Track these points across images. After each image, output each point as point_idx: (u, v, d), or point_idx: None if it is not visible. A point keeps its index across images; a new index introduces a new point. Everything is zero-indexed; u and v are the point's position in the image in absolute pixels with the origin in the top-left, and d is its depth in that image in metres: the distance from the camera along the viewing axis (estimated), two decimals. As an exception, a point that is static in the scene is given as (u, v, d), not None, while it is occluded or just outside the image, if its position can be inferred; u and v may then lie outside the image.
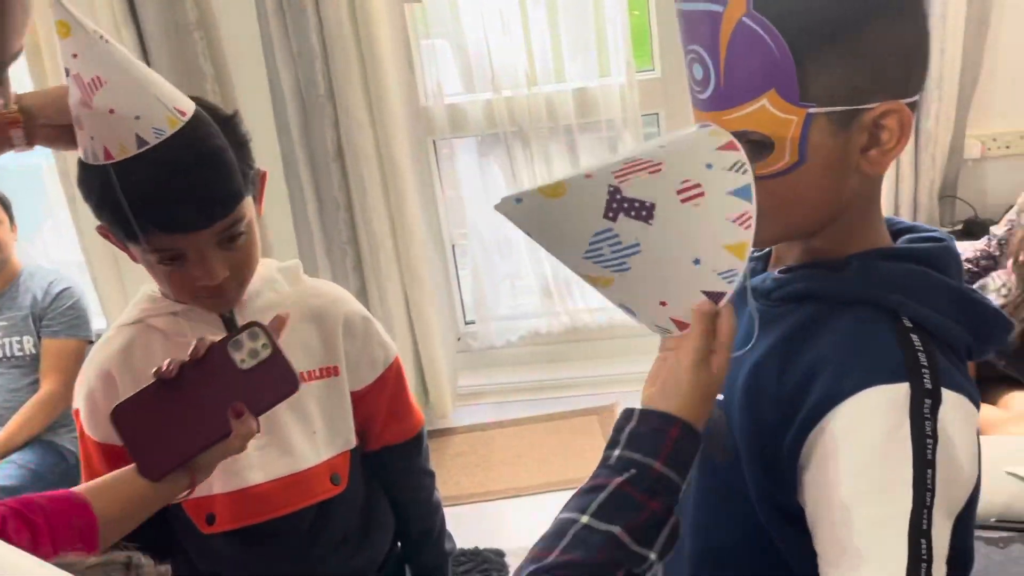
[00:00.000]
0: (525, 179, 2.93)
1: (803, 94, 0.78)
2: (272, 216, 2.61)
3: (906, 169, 2.66)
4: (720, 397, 0.88)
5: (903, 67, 0.81)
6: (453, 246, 3.18)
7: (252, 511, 1.23)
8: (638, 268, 0.80)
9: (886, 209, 2.70)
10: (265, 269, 1.26)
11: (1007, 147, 2.77)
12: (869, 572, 0.74)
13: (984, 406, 1.82)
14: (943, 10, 2.53)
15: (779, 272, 0.90)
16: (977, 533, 1.34)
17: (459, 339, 3.20)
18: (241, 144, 1.14)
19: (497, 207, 0.78)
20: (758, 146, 0.80)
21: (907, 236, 0.91)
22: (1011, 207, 2.70)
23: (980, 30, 2.62)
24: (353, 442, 1.30)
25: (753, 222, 0.76)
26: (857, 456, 0.77)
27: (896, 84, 0.81)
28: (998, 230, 2.13)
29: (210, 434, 1.02)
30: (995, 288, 2.00)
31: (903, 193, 2.69)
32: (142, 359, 1.19)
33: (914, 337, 0.81)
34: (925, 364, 0.79)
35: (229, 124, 1.13)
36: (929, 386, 0.78)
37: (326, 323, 1.28)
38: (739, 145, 0.76)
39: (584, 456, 2.73)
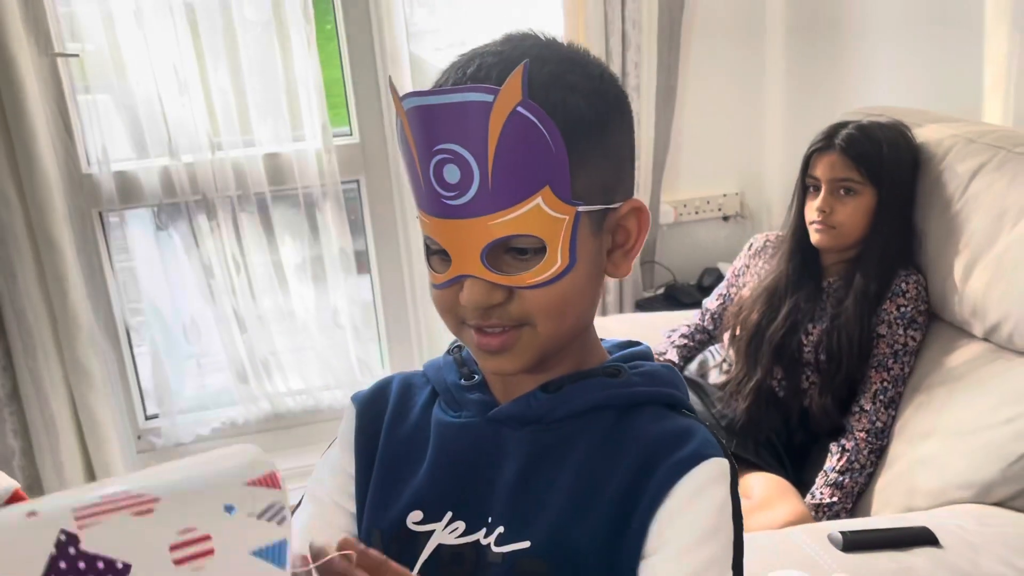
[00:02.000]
0: (212, 252, 2.61)
1: (572, 192, 0.73)
2: None
3: (609, 236, 2.68)
4: (527, 544, 0.77)
5: (631, 167, 0.81)
6: (128, 330, 2.77)
7: None
8: None
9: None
10: None
11: (696, 212, 2.89)
12: None
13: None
14: (637, 82, 2.58)
15: (544, 392, 0.81)
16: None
17: (139, 437, 2.78)
18: None
19: None
20: (526, 253, 0.74)
21: (608, 343, 0.90)
22: (704, 270, 2.81)
23: (668, 102, 2.70)
24: None
25: None
26: (695, 530, 0.74)
27: (628, 184, 0.81)
28: (711, 304, 2.16)
29: None
30: (715, 364, 2.01)
31: (608, 260, 2.70)
32: None
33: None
34: (725, 448, 0.80)
35: None
36: (734, 467, 0.78)
37: None
38: (280, 480, 0.54)
39: (295, 561, 2.44)
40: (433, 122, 0.71)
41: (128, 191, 2.55)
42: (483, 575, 0.78)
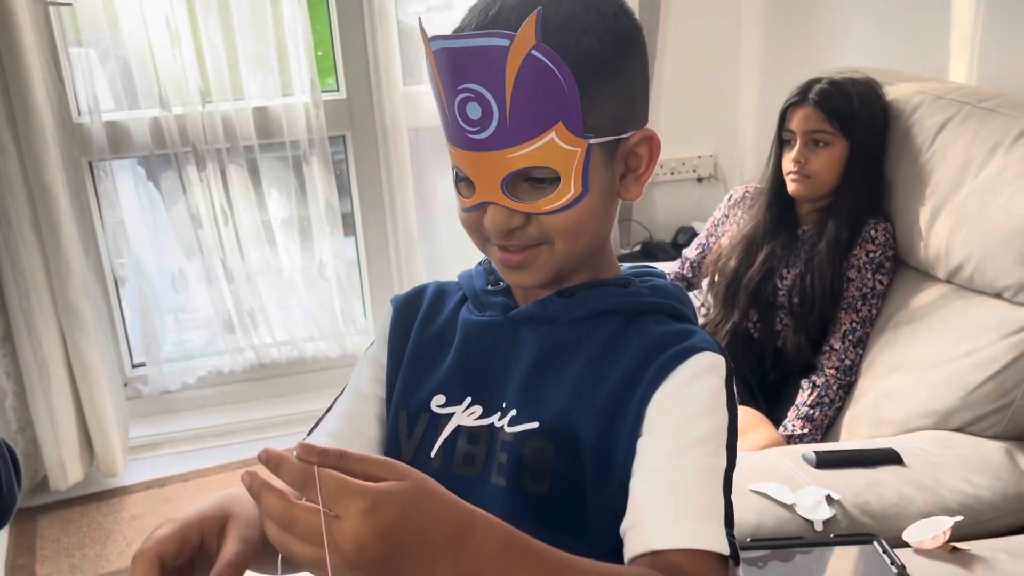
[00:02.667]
0: (200, 202, 2.67)
1: (584, 126, 0.80)
2: None
3: (589, 194, 2.77)
4: (535, 424, 0.85)
5: (645, 99, 0.87)
6: (116, 280, 2.81)
7: None
8: None
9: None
10: None
11: (672, 173, 2.99)
12: (695, 514, 0.77)
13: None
14: (619, 43, 2.66)
15: (560, 296, 0.89)
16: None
17: (126, 385, 2.84)
18: None
19: None
20: (543, 182, 0.81)
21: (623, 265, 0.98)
22: (680, 229, 2.92)
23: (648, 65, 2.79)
24: None
25: None
26: (689, 409, 0.81)
27: (641, 114, 0.87)
28: (690, 253, 2.27)
29: None
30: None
31: (587, 217, 2.79)
32: None
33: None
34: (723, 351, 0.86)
35: None
36: (732, 367, 0.85)
37: None
38: None
39: (282, 503, 2.53)
40: (457, 63, 0.79)
41: (118, 141, 2.59)
42: (495, 452, 0.87)
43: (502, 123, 0.79)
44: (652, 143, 0.87)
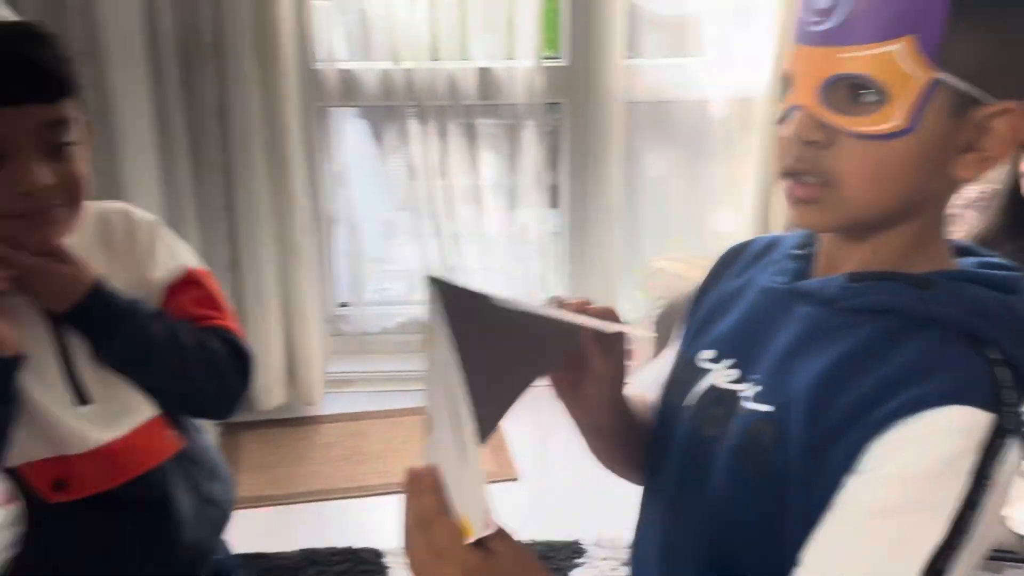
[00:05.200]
0: (417, 156, 2.77)
1: (941, 54, 0.69)
2: (136, 175, 2.31)
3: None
4: (770, 408, 0.80)
5: None
6: (330, 222, 2.97)
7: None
8: None
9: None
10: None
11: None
12: None
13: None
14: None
15: (848, 280, 0.80)
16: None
17: (329, 322, 3.00)
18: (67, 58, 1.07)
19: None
20: (865, 100, 0.72)
21: (973, 259, 0.82)
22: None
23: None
24: None
25: None
26: (912, 466, 0.71)
27: (1019, 84, 0.72)
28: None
29: None
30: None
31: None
32: None
33: (1003, 372, 0.73)
34: (1008, 403, 0.72)
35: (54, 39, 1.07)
36: (1008, 427, 0.71)
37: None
38: None
39: (463, 453, 2.61)
40: None
41: (349, 89, 2.71)
42: (728, 421, 0.84)
43: (849, 15, 0.71)
44: (1019, 122, 0.72)
